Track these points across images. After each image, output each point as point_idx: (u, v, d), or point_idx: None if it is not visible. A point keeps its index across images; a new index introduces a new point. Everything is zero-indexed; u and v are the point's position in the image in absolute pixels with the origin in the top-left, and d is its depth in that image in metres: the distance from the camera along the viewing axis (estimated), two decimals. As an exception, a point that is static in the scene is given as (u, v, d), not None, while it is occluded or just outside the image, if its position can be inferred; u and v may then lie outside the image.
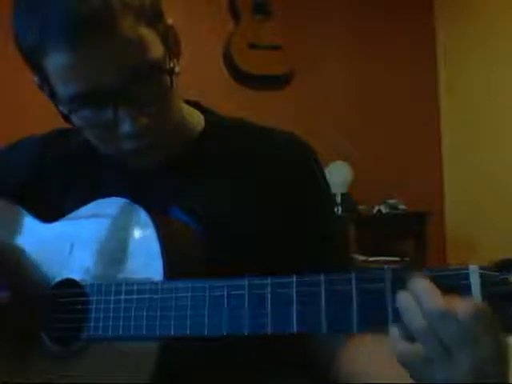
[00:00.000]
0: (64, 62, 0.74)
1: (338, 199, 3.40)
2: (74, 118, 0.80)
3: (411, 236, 3.64)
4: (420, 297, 0.55)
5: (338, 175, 3.44)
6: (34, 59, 0.78)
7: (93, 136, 0.83)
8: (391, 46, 3.89)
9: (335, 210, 1.00)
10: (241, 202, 0.87)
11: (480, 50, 3.68)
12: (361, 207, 3.58)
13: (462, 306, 0.53)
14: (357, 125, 3.76)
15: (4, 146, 1.05)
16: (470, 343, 0.54)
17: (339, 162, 3.50)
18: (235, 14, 3.59)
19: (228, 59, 3.56)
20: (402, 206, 3.62)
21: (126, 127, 0.78)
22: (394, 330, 0.57)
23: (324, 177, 0.95)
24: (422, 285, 0.55)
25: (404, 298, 0.56)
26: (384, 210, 3.57)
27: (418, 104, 3.91)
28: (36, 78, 0.83)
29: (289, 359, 0.89)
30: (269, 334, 0.62)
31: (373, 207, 3.57)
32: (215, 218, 0.84)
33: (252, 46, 3.52)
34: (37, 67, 0.79)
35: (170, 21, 0.84)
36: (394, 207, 3.59)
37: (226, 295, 0.66)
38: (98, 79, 0.75)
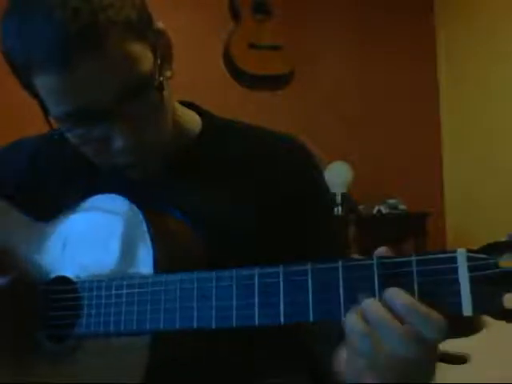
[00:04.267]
0: (52, 84, 0.73)
1: (338, 199, 3.40)
2: (68, 136, 0.80)
3: (411, 236, 3.63)
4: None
5: (338, 175, 3.44)
6: (23, 77, 0.77)
7: (87, 151, 0.83)
8: (391, 46, 3.90)
9: (334, 210, 1.01)
10: (239, 202, 0.87)
11: (480, 49, 3.68)
12: (361, 207, 3.58)
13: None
14: (357, 125, 3.77)
15: (1, 146, 1.05)
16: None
17: (339, 162, 3.50)
18: (235, 14, 3.59)
19: (228, 59, 3.56)
20: (402, 206, 3.62)
21: (119, 143, 0.77)
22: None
23: (322, 177, 0.95)
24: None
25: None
26: (384, 210, 3.56)
27: (418, 104, 3.92)
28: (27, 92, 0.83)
29: (287, 355, 0.89)
30: (256, 326, 0.62)
31: (373, 207, 3.57)
32: (213, 218, 0.84)
33: (252, 46, 3.53)
34: (27, 85, 0.78)
35: (159, 25, 0.83)
36: (394, 207, 3.59)
37: (214, 286, 0.65)
38: (88, 98, 0.74)
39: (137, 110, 0.77)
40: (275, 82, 3.63)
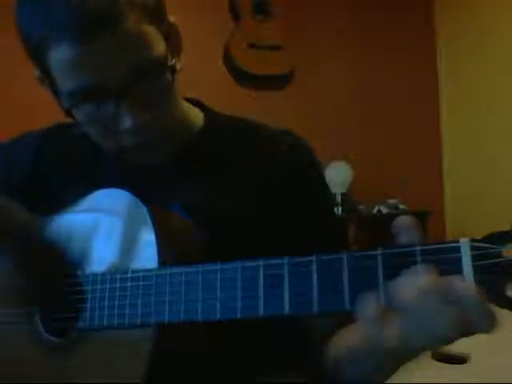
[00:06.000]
0: (67, 57, 0.74)
1: (338, 199, 3.40)
2: (76, 113, 0.81)
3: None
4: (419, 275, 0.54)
5: (338, 175, 3.44)
6: (36, 52, 0.78)
7: (93, 131, 0.84)
8: (391, 46, 3.90)
9: (334, 208, 1.00)
10: (240, 199, 0.87)
11: (480, 49, 3.69)
12: (361, 207, 3.58)
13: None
14: (357, 125, 3.77)
15: (6, 140, 1.05)
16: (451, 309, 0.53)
17: (339, 162, 3.50)
18: (235, 14, 3.60)
19: (228, 59, 3.56)
20: (402, 206, 3.62)
21: (127, 122, 0.78)
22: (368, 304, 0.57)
23: (322, 175, 0.95)
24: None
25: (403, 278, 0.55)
26: (384, 210, 3.57)
27: (418, 104, 3.92)
28: (37, 72, 0.83)
29: (287, 353, 0.89)
30: (261, 318, 0.62)
31: (373, 207, 3.57)
32: (215, 215, 0.84)
33: (252, 46, 3.53)
34: (39, 60, 0.79)
35: (171, 18, 0.85)
36: (394, 207, 3.59)
37: (218, 278, 0.66)
38: (101, 74, 0.75)
39: (147, 90, 0.78)
40: (275, 82, 3.63)
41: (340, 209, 3.39)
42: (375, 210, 3.57)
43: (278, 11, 3.59)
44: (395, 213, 3.58)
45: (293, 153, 0.92)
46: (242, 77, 3.57)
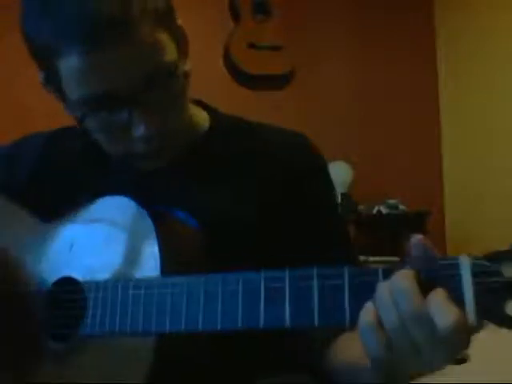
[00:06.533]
0: (79, 65, 0.73)
1: (338, 199, 3.40)
2: (86, 120, 0.80)
3: (411, 236, 3.63)
4: (397, 295, 0.55)
5: (338, 175, 3.44)
6: (44, 59, 0.77)
7: (103, 138, 0.83)
8: (391, 46, 3.90)
9: (337, 207, 1.00)
10: (244, 201, 0.87)
11: (480, 49, 3.69)
12: (361, 207, 3.58)
13: (442, 317, 0.52)
14: (357, 125, 3.77)
15: (12, 141, 1.04)
16: (444, 346, 0.54)
17: (339, 162, 3.50)
18: (235, 14, 3.59)
19: (228, 59, 3.56)
20: (401, 206, 3.62)
21: (140, 130, 0.77)
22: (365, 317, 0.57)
23: (325, 174, 0.94)
24: (401, 283, 0.55)
25: (381, 291, 0.56)
26: (384, 210, 3.57)
27: (418, 104, 3.92)
28: (41, 76, 0.83)
29: (288, 354, 0.89)
30: (261, 330, 0.62)
31: (373, 207, 3.57)
32: (217, 218, 0.84)
33: (252, 46, 3.52)
34: (47, 67, 0.78)
35: (179, 21, 0.84)
36: (394, 207, 3.59)
37: (220, 290, 0.66)
38: (114, 83, 0.74)
39: (160, 97, 0.78)
40: (275, 82, 3.62)
41: (340, 209, 3.38)
42: (375, 210, 3.57)
43: (278, 11, 3.58)
44: (395, 213, 3.59)
45: (294, 152, 0.91)
46: (241, 77, 3.57)
